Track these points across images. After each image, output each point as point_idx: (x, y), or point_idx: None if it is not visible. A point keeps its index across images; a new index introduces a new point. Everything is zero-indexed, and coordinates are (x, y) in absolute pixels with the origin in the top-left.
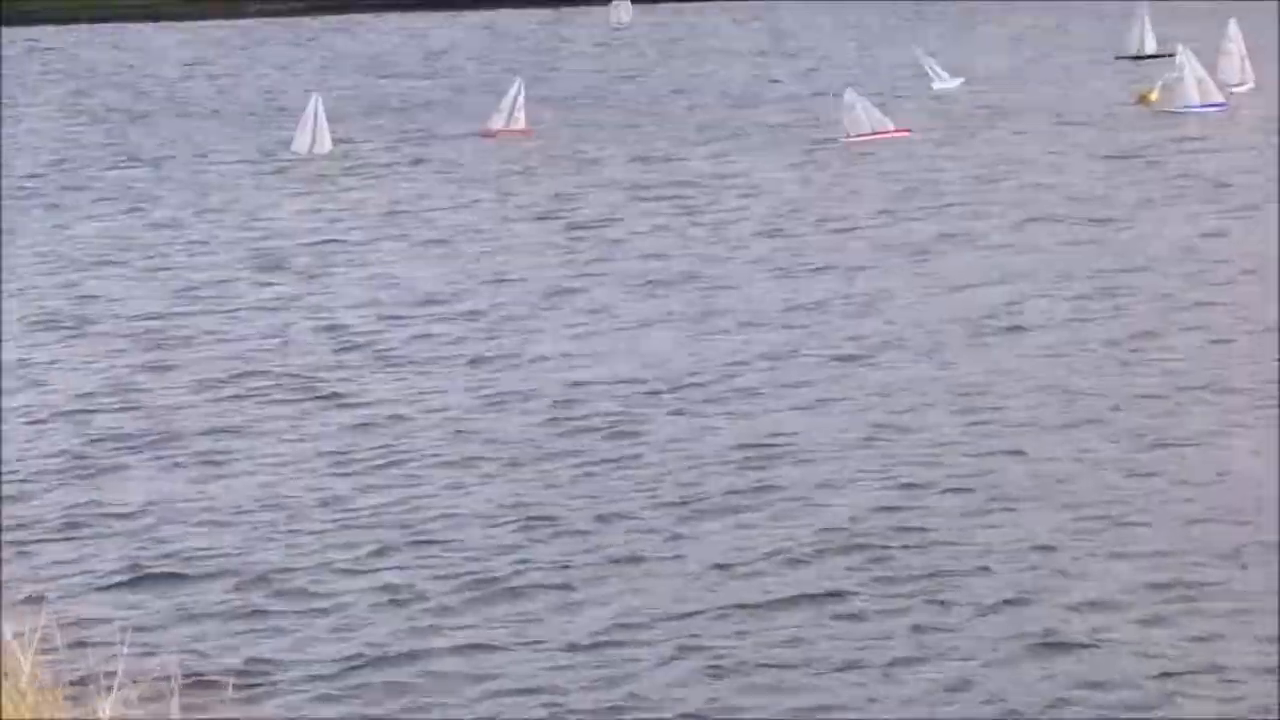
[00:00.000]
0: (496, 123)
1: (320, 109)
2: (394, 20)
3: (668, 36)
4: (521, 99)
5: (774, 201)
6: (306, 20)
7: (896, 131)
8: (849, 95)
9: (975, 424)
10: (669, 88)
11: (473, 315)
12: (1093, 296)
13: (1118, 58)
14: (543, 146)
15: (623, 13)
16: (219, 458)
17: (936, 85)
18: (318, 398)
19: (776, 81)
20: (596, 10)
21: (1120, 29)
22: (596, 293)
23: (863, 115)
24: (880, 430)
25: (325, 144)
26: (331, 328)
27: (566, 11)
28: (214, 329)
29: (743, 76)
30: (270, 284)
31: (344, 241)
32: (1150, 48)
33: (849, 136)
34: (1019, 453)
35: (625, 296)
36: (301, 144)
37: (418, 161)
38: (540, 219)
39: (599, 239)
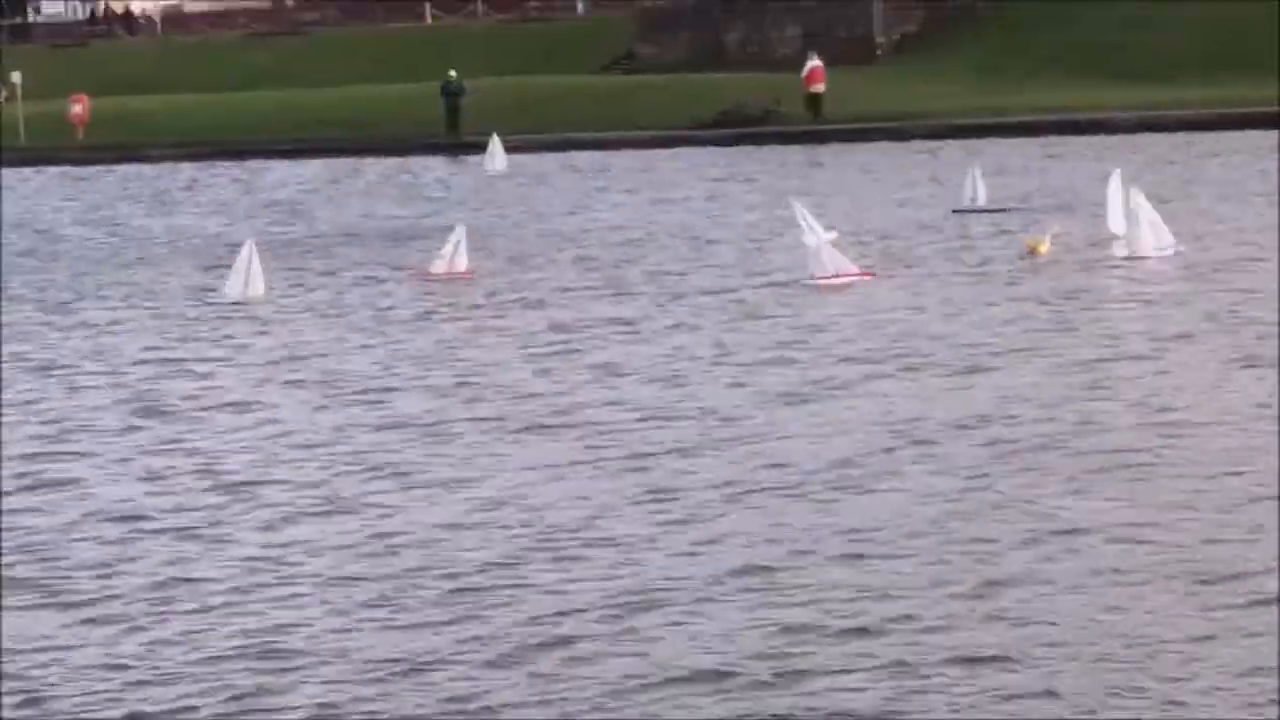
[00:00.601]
0: (438, 266)
1: (254, 253)
2: (280, 167)
3: (549, 182)
4: (464, 243)
5: (665, 347)
6: (185, 166)
7: (860, 274)
8: (809, 239)
9: (856, 567)
10: (576, 230)
11: (351, 459)
12: (975, 443)
13: (955, 211)
14: (480, 290)
15: (498, 160)
16: (95, 602)
17: (808, 238)
18: (196, 540)
19: (678, 228)
20: (470, 158)
21: (948, 180)
22: (476, 437)
23: (826, 258)
24: (760, 573)
25: (258, 288)
26: (211, 472)
27: (428, 159)
28: (92, 470)
29: (639, 221)
30: (151, 427)
31: (237, 386)
32: (983, 200)
33: (814, 278)
34: (898, 597)
35: (507, 441)
36: (234, 289)
37: (344, 306)
38: (439, 364)
39: (490, 384)
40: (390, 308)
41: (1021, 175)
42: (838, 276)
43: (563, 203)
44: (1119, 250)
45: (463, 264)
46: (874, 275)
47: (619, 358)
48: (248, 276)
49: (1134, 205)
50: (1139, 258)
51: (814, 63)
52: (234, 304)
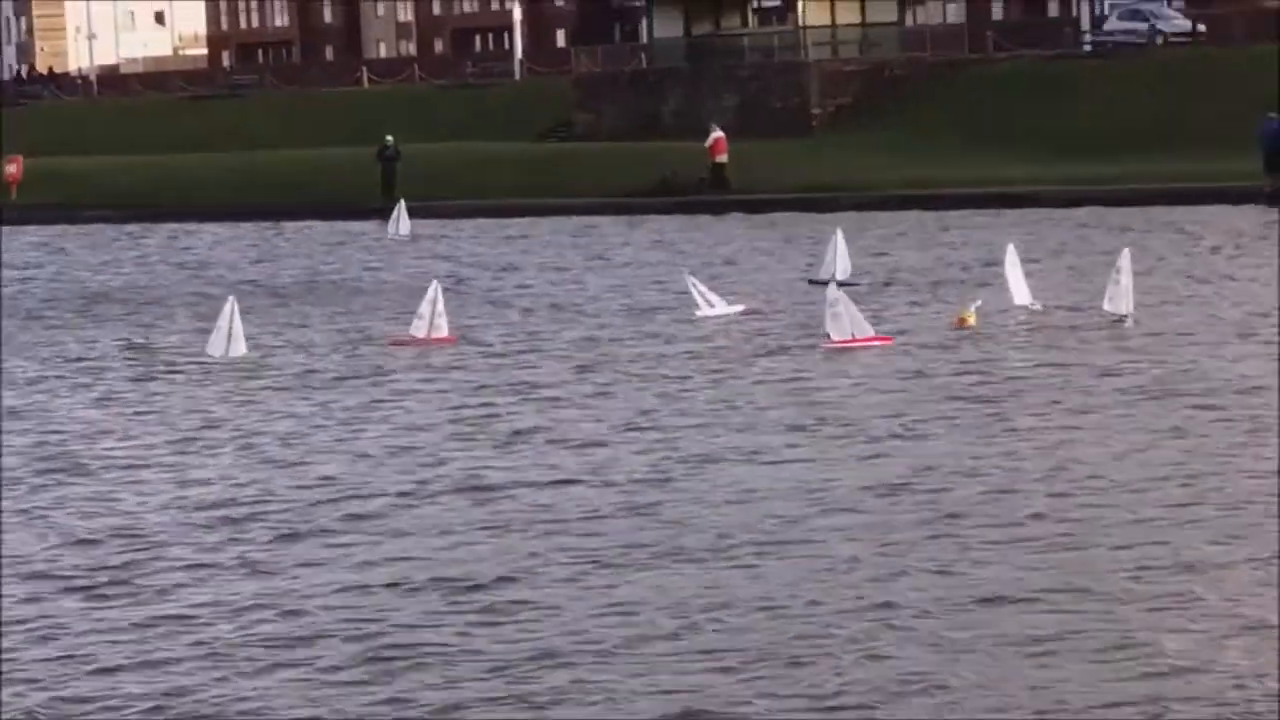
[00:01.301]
0: (418, 330)
1: (235, 312)
2: (210, 229)
3: (457, 247)
4: (441, 305)
5: (588, 412)
6: (119, 226)
7: (877, 339)
8: (831, 292)
9: (766, 630)
10: (513, 294)
11: (261, 518)
12: (875, 510)
13: (811, 282)
14: (456, 354)
15: (403, 225)
16: (10, 658)
17: (700, 312)
18: (109, 597)
19: (602, 293)
20: (372, 224)
21: (800, 252)
22: (397, 500)
23: (845, 318)
24: (662, 638)
25: (240, 348)
26: (129, 530)
27: (351, 224)
28: (6, 529)
29: (560, 289)
30: (71, 484)
31: (164, 445)
32: (843, 273)
33: (829, 340)
34: (809, 662)
35: (429, 504)
36: (217, 347)
37: (311, 369)
38: (375, 424)
39: (425, 448)
40: (372, 371)
41: (917, 249)
42: (854, 340)
43: (454, 270)
44: (1028, 317)
45: (444, 327)
46: (891, 340)
47: (540, 422)
48: (229, 335)
49: (1118, 268)
50: (1120, 317)
51: (717, 133)
52: (214, 362)
